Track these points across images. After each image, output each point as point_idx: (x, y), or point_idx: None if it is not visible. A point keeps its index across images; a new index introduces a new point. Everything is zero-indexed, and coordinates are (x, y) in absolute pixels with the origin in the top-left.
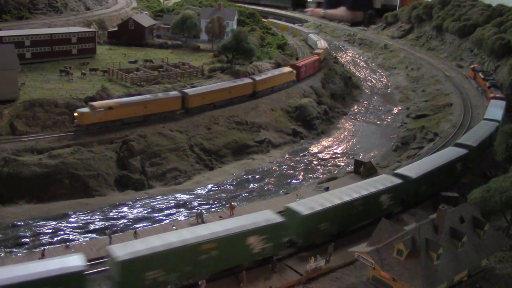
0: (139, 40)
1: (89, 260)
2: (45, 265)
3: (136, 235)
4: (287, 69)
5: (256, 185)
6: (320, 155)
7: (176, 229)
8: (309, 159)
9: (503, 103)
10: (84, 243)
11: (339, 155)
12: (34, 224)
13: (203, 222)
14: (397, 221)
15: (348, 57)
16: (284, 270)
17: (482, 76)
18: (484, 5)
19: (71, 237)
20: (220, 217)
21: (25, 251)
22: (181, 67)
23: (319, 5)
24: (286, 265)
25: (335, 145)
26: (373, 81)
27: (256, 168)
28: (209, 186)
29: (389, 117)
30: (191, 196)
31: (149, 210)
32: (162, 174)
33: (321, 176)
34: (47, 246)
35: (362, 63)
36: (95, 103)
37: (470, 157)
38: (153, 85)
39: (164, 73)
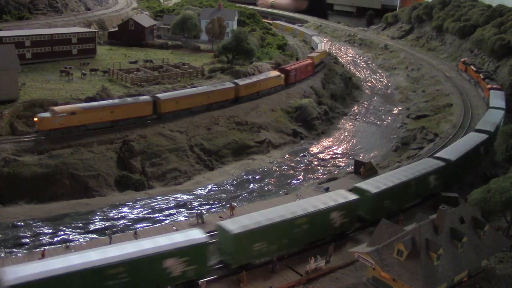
0: (139, 41)
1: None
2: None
3: (136, 236)
4: (274, 73)
5: (256, 185)
6: (320, 156)
7: (176, 229)
8: (309, 160)
9: (502, 93)
10: (84, 243)
11: (339, 156)
12: (34, 224)
13: (203, 222)
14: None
15: (348, 58)
16: (284, 270)
17: (475, 69)
18: (484, 5)
19: (71, 237)
20: (220, 217)
21: (25, 251)
22: (181, 67)
23: None
24: (286, 265)
25: (335, 146)
26: (373, 81)
27: (256, 168)
28: (209, 187)
29: (389, 118)
30: (191, 197)
31: (149, 210)
32: (162, 175)
33: (321, 176)
34: (47, 247)
35: (362, 63)
36: (56, 108)
37: (490, 141)
38: (153, 85)
39: (164, 73)
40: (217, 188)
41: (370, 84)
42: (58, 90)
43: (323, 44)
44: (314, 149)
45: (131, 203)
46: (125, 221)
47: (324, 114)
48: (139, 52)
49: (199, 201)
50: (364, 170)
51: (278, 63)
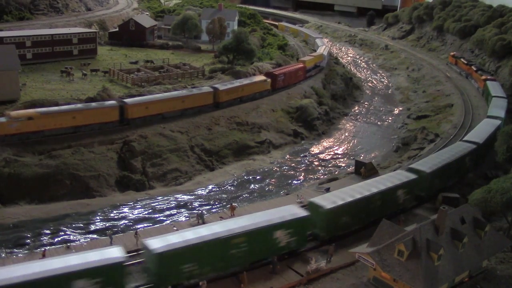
0: (140, 41)
1: None
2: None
3: (137, 236)
4: (259, 77)
5: (257, 185)
6: (321, 156)
7: (177, 229)
8: (310, 160)
9: (499, 84)
10: (85, 243)
11: (340, 156)
12: (35, 224)
13: (204, 222)
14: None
15: (349, 58)
16: (285, 270)
17: (465, 62)
18: (485, 5)
19: (72, 237)
20: (221, 217)
21: (26, 251)
22: (182, 67)
23: None
24: (287, 265)
25: (336, 146)
26: (374, 81)
27: (257, 168)
28: (210, 187)
29: (390, 118)
30: (192, 197)
31: (150, 210)
32: (163, 175)
33: (322, 176)
34: (48, 247)
35: (363, 63)
36: (12, 112)
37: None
38: (154, 85)
39: (165, 73)
40: (217, 189)
41: (370, 85)
42: (59, 91)
43: (322, 48)
44: (315, 150)
45: (131, 203)
46: (126, 222)
47: (325, 115)
48: (139, 52)
49: (199, 201)
50: (365, 170)
51: (278, 64)
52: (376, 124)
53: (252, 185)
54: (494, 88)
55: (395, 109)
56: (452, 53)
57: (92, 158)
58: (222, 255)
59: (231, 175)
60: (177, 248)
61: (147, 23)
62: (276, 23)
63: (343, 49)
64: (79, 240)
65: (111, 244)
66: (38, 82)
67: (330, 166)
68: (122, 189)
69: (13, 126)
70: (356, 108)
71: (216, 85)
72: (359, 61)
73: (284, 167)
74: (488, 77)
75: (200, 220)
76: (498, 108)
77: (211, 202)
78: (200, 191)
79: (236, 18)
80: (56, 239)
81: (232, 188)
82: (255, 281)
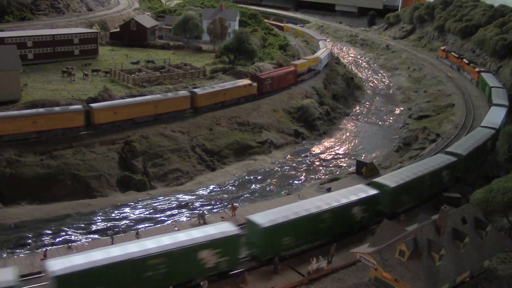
0: (141, 41)
1: None
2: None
3: (138, 236)
4: (244, 81)
5: (258, 186)
6: (322, 156)
7: (178, 230)
8: (311, 160)
9: (493, 75)
10: (86, 243)
11: (341, 156)
12: (36, 225)
13: (205, 223)
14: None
15: (350, 58)
16: (286, 270)
17: (456, 55)
18: (486, 5)
19: (73, 237)
20: (222, 217)
21: (27, 251)
22: (183, 68)
23: None
24: (288, 265)
25: (337, 146)
26: (375, 81)
27: (258, 169)
28: (211, 187)
29: (391, 118)
30: (193, 197)
31: (151, 210)
32: (164, 175)
33: (323, 177)
34: (49, 247)
35: (364, 63)
36: None
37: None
38: (155, 86)
39: (166, 74)
40: (218, 189)
41: (371, 85)
42: (60, 91)
43: (321, 51)
44: (316, 150)
45: (133, 203)
46: (127, 222)
47: (326, 115)
48: (140, 52)
49: (201, 201)
50: (366, 170)
51: (279, 63)
52: (377, 124)
53: (253, 185)
54: (490, 79)
55: (396, 109)
56: (442, 47)
57: (93, 158)
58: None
59: (232, 175)
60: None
61: (148, 23)
62: (282, 25)
63: (344, 49)
64: (80, 240)
65: (112, 244)
66: (39, 82)
67: (331, 166)
68: (123, 189)
69: None
70: (357, 108)
71: (195, 89)
72: (360, 61)
73: (285, 167)
74: (482, 69)
75: (201, 220)
76: (500, 97)
77: (212, 202)
78: (201, 191)
79: (237, 18)
80: (57, 239)
81: (233, 188)
82: (256, 281)
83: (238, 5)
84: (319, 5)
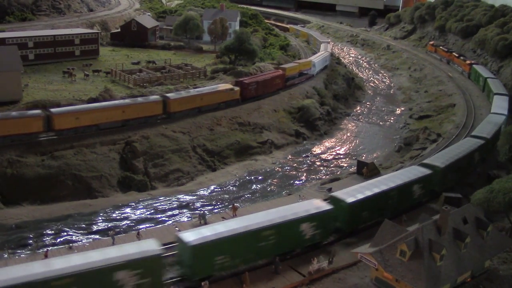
0: (141, 42)
1: None
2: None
3: (139, 236)
4: (224, 86)
5: (258, 186)
6: (323, 156)
7: (179, 230)
8: (312, 160)
9: (485, 67)
10: (87, 244)
11: (342, 156)
12: (37, 225)
13: (206, 223)
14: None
15: (351, 58)
16: (287, 271)
17: (445, 49)
18: (487, 5)
19: (74, 238)
20: (223, 218)
21: (28, 252)
22: (183, 68)
23: None
24: (289, 266)
25: (338, 146)
26: (376, 82)
27: (259, 169)
28: (212, 187)
29: (392, 118)
30: (194, 197)
31: (152, 211)
32: (165, 175)
33: (324, 177)
34: (50, 247)
35: (365, 64)
36: None
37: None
38: (155, 86)
39: (167, 74)
40: (219, 189)
41: (372, 85)
42: (61, 91)
43: (317, 55)
44: (317, 150)
45: (133, 204)
46: (128, 222)
47: (327, 115)
48: (141, 53)
49: (201, 201)
50: (367, 170)
51: (280, 63)
52: (378, 124)
53: (254, 186)
54: (483, 70)
55: (397, 109)
56: (431, 42)
57: (94, 159)
58: None
59: (233, 176)
60: None
61: (149, 24)
62: (287, 26)
63: (345, 49)
64: (81, 240)
65: (113, 244)
66: (40, 83)
67: (332, 166)
68: (124, 189)
69: None
70: (358, 108)
71: (168, 94)
72: (361, 61)
73: (286, 168)
74: (473, 62)
75: (202, 220)
76: (498, 88)
77: (213, 203)
78: (202, 191)
79: (238, 19)
80: (58, 240)
81: (234, 189)
82: (257, 281)
83: (239, 6)
84: (319, 5)
